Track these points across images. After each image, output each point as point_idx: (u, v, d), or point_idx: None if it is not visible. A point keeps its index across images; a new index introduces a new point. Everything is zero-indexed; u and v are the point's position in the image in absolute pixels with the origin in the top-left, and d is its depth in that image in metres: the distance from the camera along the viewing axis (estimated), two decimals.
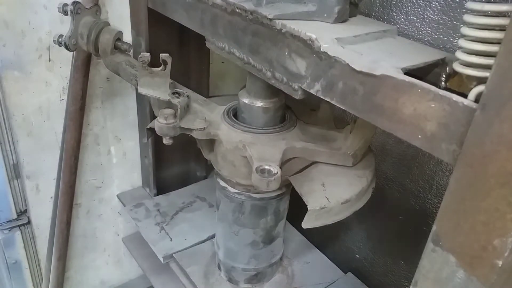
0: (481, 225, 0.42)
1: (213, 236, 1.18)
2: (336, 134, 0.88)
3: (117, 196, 1.48)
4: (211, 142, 0.94)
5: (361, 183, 0.82)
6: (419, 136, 0.47)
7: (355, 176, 0.83)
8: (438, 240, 0.46)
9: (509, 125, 0.37)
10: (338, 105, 0.55)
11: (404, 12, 0.84)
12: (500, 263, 0.41)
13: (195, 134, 0.90)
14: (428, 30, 0.81)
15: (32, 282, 1.46)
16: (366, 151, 0.88)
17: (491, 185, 0.40)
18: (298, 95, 0.62)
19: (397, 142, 0.99)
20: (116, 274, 1.67)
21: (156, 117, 0.88)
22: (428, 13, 0.81)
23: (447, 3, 0.77)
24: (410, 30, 0.84)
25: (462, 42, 0.47)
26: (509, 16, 0.39)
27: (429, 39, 0.82)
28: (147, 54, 0.84)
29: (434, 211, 0.95)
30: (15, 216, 1.32)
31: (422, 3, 0.81)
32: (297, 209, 0.84)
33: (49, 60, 1.16)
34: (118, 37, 1.07)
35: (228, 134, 0.87)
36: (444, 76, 0.50)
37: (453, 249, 0.45)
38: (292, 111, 0.95)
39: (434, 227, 0.47)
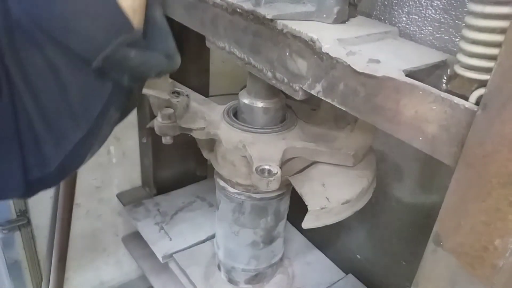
0: (482, 225, 0.41)
1: (213, 236, 1.18)
2: (337, 134, 0.88)
3: (117, 196, 1.48)
4: (211, 142, 0.94)
5: (362, 183, 0.82)
6: (420, 138, 0.46)
7: (356, 176, 0.83)
8: (439, 241, 0.46)
9: (510, 125, 0.37)
10: (339, 107, 0.55)
11: (405, 11, 0.84)
12: (501, 263, 0.41)
13: (194, 134, 0.90)
14: (430, 29, 0.81)
15: (31, 282, 1.46)
16: (367, 151, 0.88)
17: (492, 185, 0.40)
18: (299, 96, 0.62)
19: (398, 142, 0.99)
20: (116, 275, 1.67)
21: (156, 116, 0.88)
22: (430, 12, 0.80)
23: (449, 2, 0.77)
24: (412, 29, 0.84)
25: (463, 45, 0.46)
26: (510, 18, 0.39)
27: (431, 38, 0.81)
28: None
29: (435, 211, 0.95)
30: (14, 216, 1.32)
31: (424, 2, 0.81)
32: (297, 209, 0.84)
33: None
34: None
35: (228, 134, 0.87)
36: (445, 78, 0.50)
37: (454, 250, 0.45)
38: (292, 110, 0.95)
39: (435, 228, 0.47)
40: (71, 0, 0.41)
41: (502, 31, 0.41)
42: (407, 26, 0.84)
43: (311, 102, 0.93)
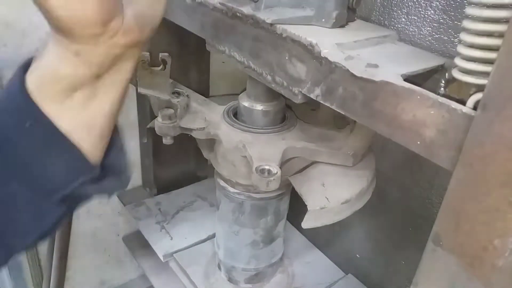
0: (481, 225, 0.42)
1: (213, 236, 1.18)
2: (337, 134, 0.88)
3: (117, 195, 1.48)
4: (211, 142, 0.94)
5: (361, 183, 0.82)
6: (418, 142, 0.47)
7: (355, 176, 0.84)
8: (439, 240, 0.47)
9: (509, 125, 0.38)
10: (338, 110, 0.55)
11: (405, 11, 0.84)
12: (500, 263, 0.41)
13: (195, 134, 0.90)
14: (429, 30, 0.81)
15: (32, 282, 1.46)
16: (366, 151, 0.88)
17: (491, 185, 0.40)
18: (298, 99, 0.62)
19: (398, 143, 0.99)
20: (117, 274, 1.67)
21: (156, 116, 0.89)
22: (429, 13, 0.81)
23: (448, 3, 0.77)
24: (411, 30, 0.84)
25: (461, 49, 0.47)
26: (508, 22, 0.39)
27: (430, 38, 0.82)
28: (147, 54, 0.84)
29: (435, 211, 0.96)
30: None
31: (423, 3, 0.81)
32: (297, 209, 0.85)
33: None
34: None
35: (228, 134, 0.88)
36: (443, 82, 0.50)
37: (453, 249, 0.45)
38: (292, 110, 0.95)
39: (434, 227, 0.47)
40: (35, 144, 0.43)
41: (500, 35, 0.41)
42: (406, 27, 0.84)
43: (311, 102, 0.93)
